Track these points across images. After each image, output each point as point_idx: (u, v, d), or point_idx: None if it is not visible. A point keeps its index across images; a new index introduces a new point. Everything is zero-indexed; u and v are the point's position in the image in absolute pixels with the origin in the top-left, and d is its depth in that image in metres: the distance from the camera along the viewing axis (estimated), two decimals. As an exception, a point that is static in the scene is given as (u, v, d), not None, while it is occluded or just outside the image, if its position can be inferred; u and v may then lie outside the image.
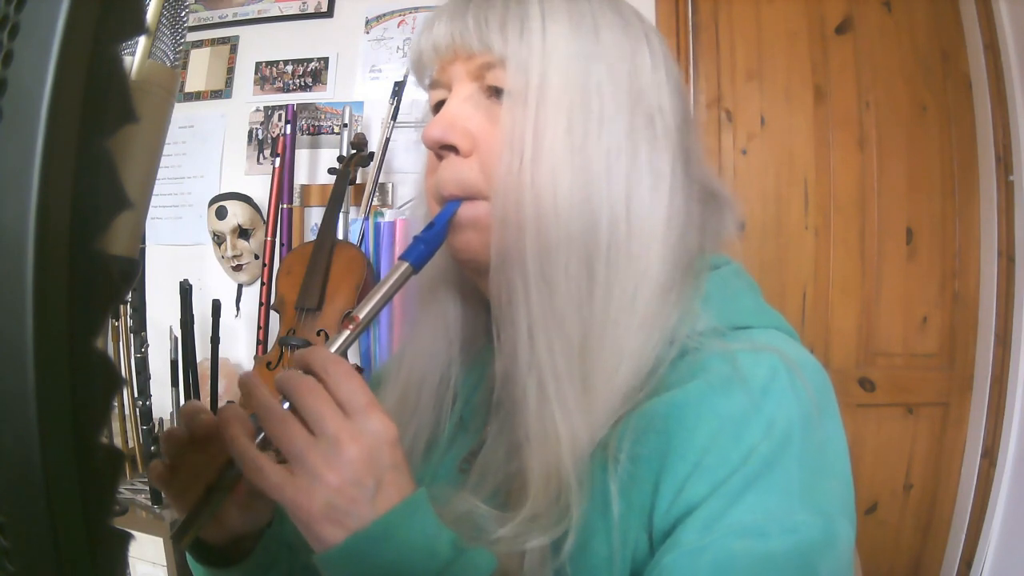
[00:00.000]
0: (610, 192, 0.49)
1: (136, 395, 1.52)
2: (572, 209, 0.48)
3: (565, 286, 0.48)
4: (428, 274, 0.57)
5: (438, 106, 0.55)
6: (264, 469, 0.42)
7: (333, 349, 0.46)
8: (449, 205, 0.52)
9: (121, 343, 1.52)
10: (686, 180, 0.52)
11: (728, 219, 0.57)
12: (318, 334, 1.60)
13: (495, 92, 0.51)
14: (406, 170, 1.91)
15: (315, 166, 2.00)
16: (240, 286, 1.99)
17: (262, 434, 0.45)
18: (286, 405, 0.43)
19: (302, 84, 2.03)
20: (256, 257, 1.94)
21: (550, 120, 0.48)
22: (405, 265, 0.50)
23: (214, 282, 2.00)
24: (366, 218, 1.75)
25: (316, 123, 2.00)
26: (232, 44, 2.09)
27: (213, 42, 2.11)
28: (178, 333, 1.59)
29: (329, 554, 0.41)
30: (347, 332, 0.48)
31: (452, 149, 0.52)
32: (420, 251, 0.50)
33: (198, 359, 1.65)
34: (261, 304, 1.81)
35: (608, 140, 0.49)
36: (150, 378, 1.55)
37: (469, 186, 0.51)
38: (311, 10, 2.03)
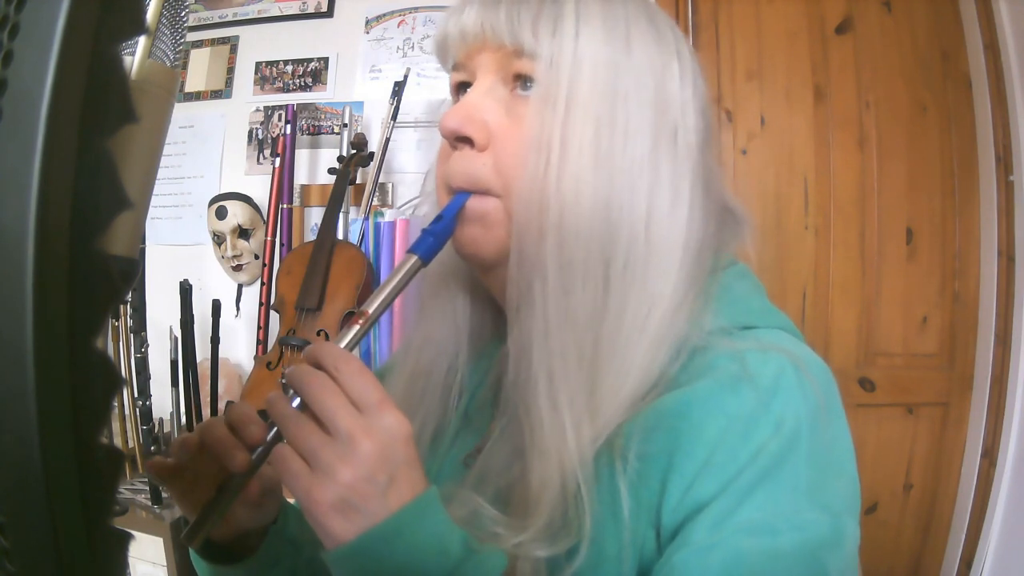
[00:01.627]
0: (632, 208, 0.48)
1: (136, 395, 1.52)
2: (593, 220, 0.47)
3: (582, 295, 0.48)
4: (437, 266, 0.56)
5: (459, 87, 0.55)
6: (287, 458, 0.42)
7: (343, 344, 0.46)
8: (457, 197, 0.51)
9: (121, 343, 1.52)
10: (705, 200, 0.52)
11: (743, 234, 0.57)
12: (318, 334, 1.60)
13: (520, 83, 0.51)
14: (406, 170, 1.91)
15: (315, 166, 2.00)
16: (240, 286, 1.99)
17: (275, 428, 0.45)
18: (296, 401, 0.43)
19: (302, 84, 2.02)
20: (256, 257, 1.94)
21: (578, 126, 0.48)
22: (414, 258, 0.49)
23: (214, 282, 2.00)
24: (366, 218, 1.75)
25: (316, 123, 2.00)
26: (232, 44, 2.09)
27: (213, 42, 2.11)
28: (178, 333, 1.58)
29: (339, 551, 0.40)
30: (356, 327, 0.47)
31: (467, 141, 0.51)
32: (429, 244, 0.50)
33: (198, 359, 1.65)
34: (261, 304, 1.81)
35: (632, 154, 0.49)
36: (150, 378, 1.55)
37: (479, 181, 0.51)
38: (311, 10, 2.03)
